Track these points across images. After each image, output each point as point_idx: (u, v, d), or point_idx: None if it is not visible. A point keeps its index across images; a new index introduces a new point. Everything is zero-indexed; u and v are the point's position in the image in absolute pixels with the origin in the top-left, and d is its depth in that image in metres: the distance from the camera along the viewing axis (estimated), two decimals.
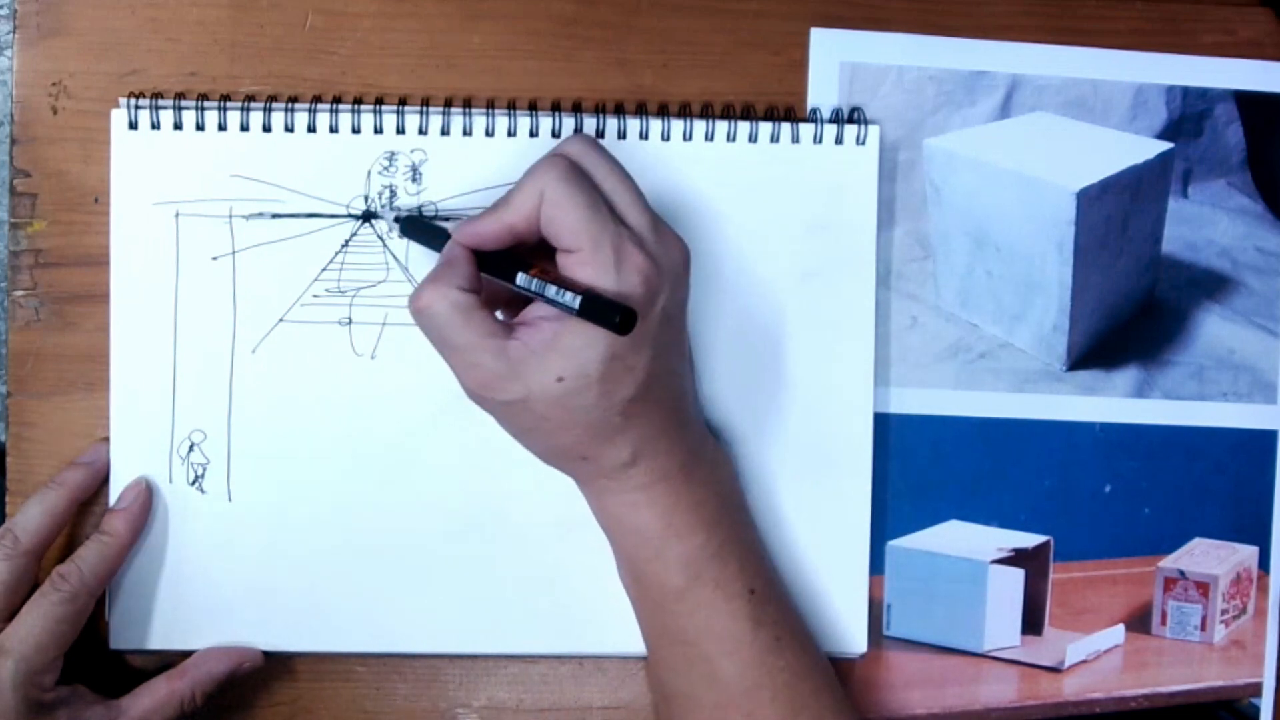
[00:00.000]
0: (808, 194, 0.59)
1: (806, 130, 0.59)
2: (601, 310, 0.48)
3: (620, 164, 0.52)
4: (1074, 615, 0.63)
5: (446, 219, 0.58)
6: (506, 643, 0.59)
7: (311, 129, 0.57)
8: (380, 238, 0.58)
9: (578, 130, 0.58)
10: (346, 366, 0.58)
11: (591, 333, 0.49)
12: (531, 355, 0.49)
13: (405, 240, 0.58)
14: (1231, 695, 0.63)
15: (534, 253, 0.52)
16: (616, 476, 0.53)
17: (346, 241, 0.58)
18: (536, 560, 0.58)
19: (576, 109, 0.59)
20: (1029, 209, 0.62)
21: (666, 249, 0.51)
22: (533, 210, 0.50)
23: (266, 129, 0.57)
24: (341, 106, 0.58)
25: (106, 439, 0.57)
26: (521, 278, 0.50)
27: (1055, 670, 0.62)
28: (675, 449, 0.53)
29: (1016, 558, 0.62)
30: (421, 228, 0.55)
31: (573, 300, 0.48)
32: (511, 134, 0.58)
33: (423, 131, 0.58)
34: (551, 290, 0.49)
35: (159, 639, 0.58)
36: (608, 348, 0.49)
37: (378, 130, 0.58)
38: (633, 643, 0.57)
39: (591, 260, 0.49)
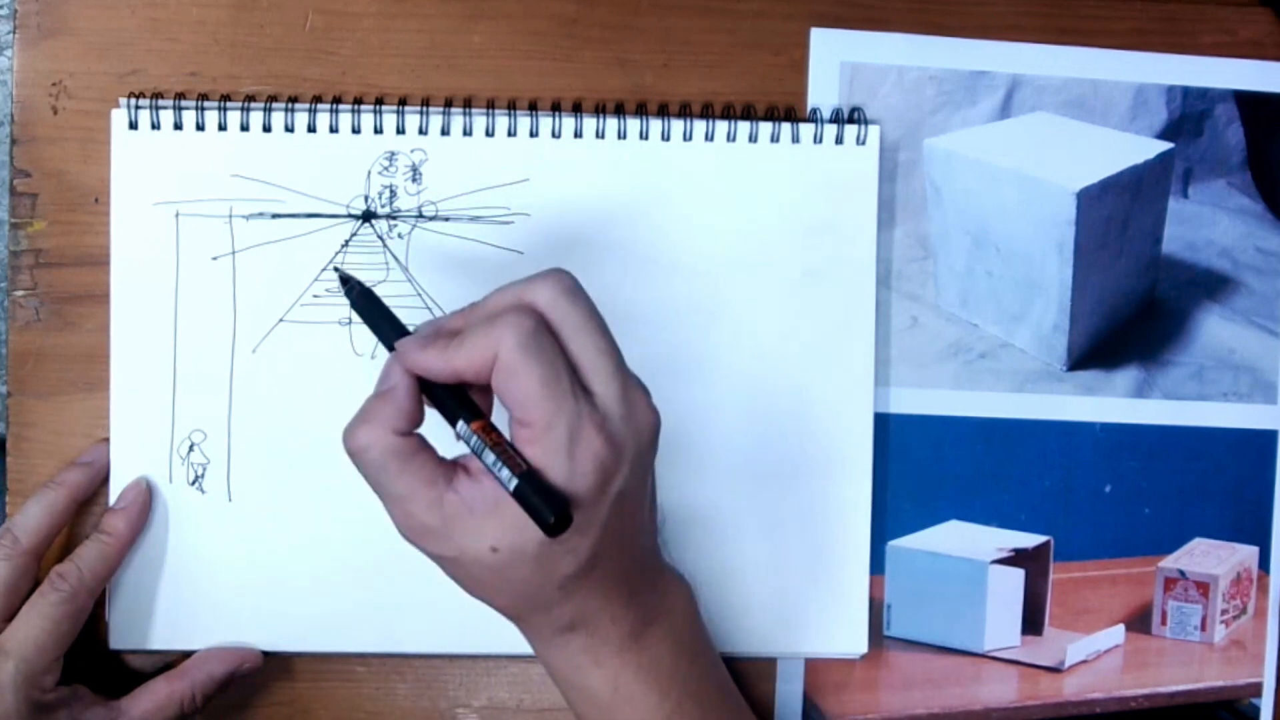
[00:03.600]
0: (808, 194, 0.59)
1: (806, 130, 0.59)
2: (536, 502, 0.43)
3: (596, 314, 0.47)
4: (1074, 615, 0.63)
5: (447, 219, 0.58)
6: (506, 643, 0.59)
7: (311, 129, 0.57)
8: (380, 238, 0.58)
9: (578, 128, 0.58)
10: (346, 366, 0.58)
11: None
12: (468, 515, 0.45)
13: (405, 241, 0.58)
14: (1231, 695, 0.63)
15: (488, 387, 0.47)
16: (556, 641, 0.50)
17: (346, 241, 0.58)
18: None
19: (576, 109, 0.59)
20: (1029, 209, 0.62)
21: (633, 423, 0.46)
22: (484, 365, 0.45)
23: (266, 129, 0.57)
24: (341, 106, 0.58)
25: (106, 439, 0.57)
26: (462, 428, 0.46)
27: (1055, 670, 0.62)
28: (623, 617, 0.49)
29: (1016, 558, 0.62)
30: (377, 310, 0.50)
31: (509, 479, 0.44)
32: (511, 134, 0.58)
33: (423, 131, 0.58)
34: (490, 458, 0.44)
35: (159, 639, 0.58)
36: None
37: (378, 130, 0.58)
38: None
39: (542, 440, 0.44)
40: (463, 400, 0.47)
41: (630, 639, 0.50)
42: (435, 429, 0.48)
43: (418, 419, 0.47)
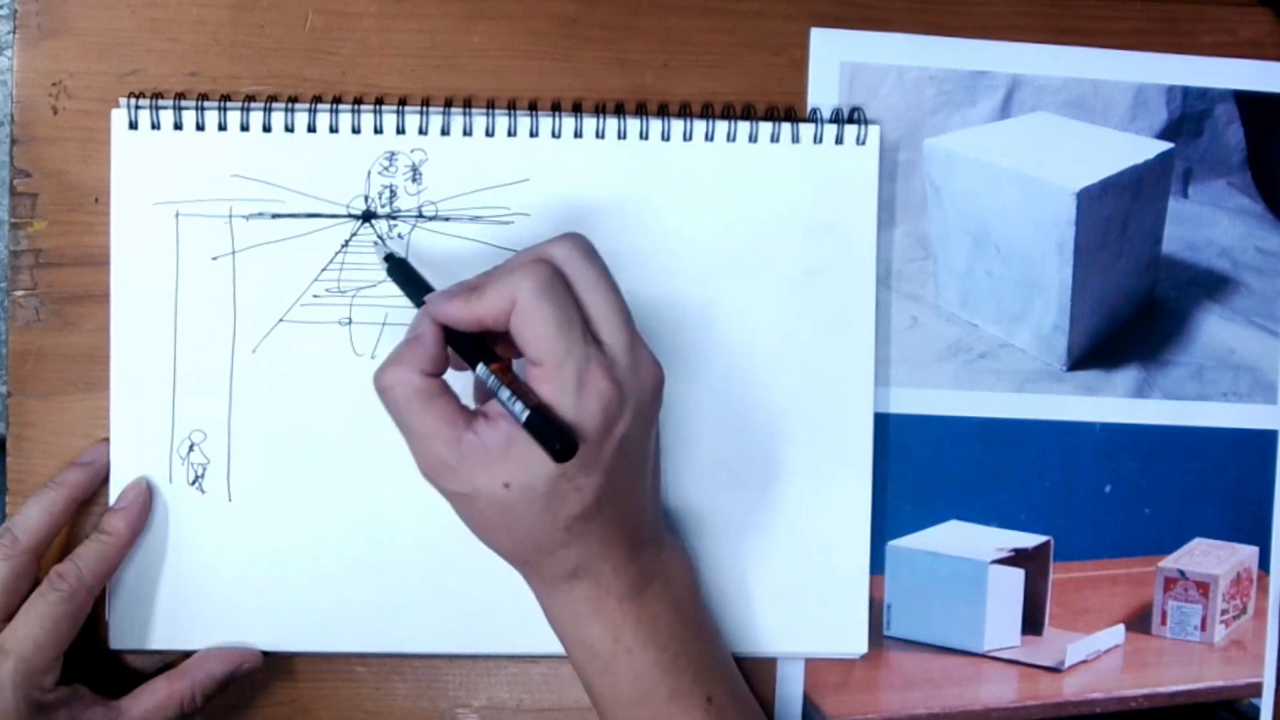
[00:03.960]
0: (808, 194, 0.59)
1: (806, 130, 0.59)
2: (545, 431, 0.47)
3: (608, 274, 0.50)
4: (1074, 615, 0.63)
5: (447, 219, 0.58)
6: (506, 643, 0.59)
7: (311, 129, 0.57)
8: (380, 238, 0.58)
9: (578, 128, 0.58)
10: (346, 366, 0.58)
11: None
12: (484, 454, 0.48)
13: (405, 241, 0.58)
14: (1231, 695, 0.63)
15: (509, 339, 0.51)
16: (560, 587, 0.52)
17: (346, 241, 0.58)
18: None
19: (576, 109, 0.59)
20: (1029, 209, 0.62)
21: (637, 373, 0.50)
22: (503, 312, 0.49)
23: (266, 129, 0.57)
24: (341, 106, 0.58)
25: (106, 439, 0.57)
26: (481, 369, 0.49)
27: (1055, 670, 0.62)
28: (624, 569, 0.52)
29: (1016, 558, 0.62)
30: (407, 275, 0.54)
31: (521, 411, 0.47)
32: (511, 134, 0.58)
33: (423, 131, 0.58)
34: (505, 394, 0.48)
35: (159, 639, 0.58)
36: (557, 465, 0.48)
37: (378, 130, 0.58)
38: None
39: (552, 378, 0.48)
40: (483, 347, 0.50)
41: (631, 591, 0.52)
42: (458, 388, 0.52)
43: (443, 363, 0.50)
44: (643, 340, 0.51)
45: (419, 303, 0.52)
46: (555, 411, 0.48)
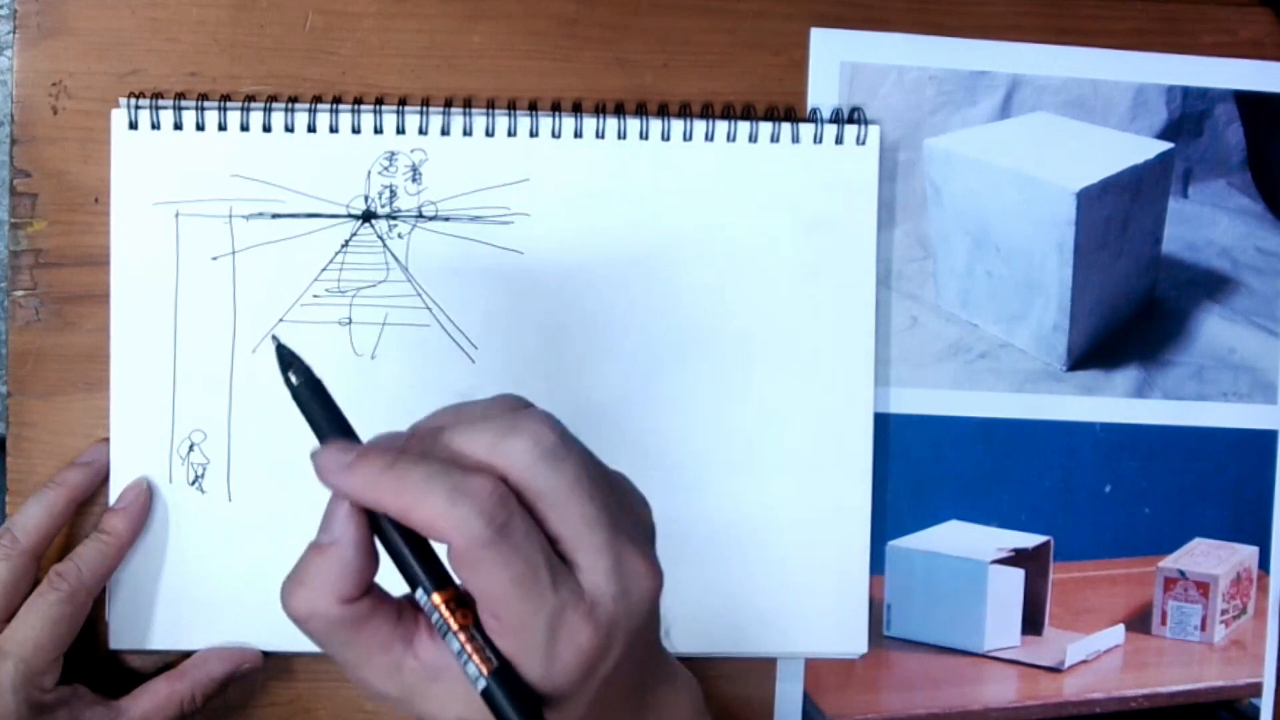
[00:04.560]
0: (808, 194, 0.59)
1: (806, 130, 0.59)
2: (506, 709, 0.38)
3: (587, 474, 0.39)
4: (1074, 615, 0.63)
5: (447, 219, 0.58)
6: None
7: (311, 129, 0.57)
8: (380, 238, 0.58)
9: (578, 128, 0.58)
10: (346, 366, 0.58)
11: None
12: (431, 683, 0.39)
13: (405, 241, 0.58)
14: (1231, 695, 0.63)
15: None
16: None
17: (346, 241, 0.58)
18: None
19: (576, 109, 0.59)
20: (1029, 209, 0.62)
21: (628, 599, 0.39)
22: (430, 529, 0.38)
23: (266, 129, 0.57)
24: (341, 106, 0.58)
25: (106, 439, 0.57)
26: (422, 599, 0.39)
27: (1055, 670, 0.62)
28: None
29: (1016, 558, 0.62)
30: (317, 401, 0.42)
31: (476, 677, 0.38)
32: (511, 134, 0.58)
33: (423, 131, 0.58)
34: (455, 643, 0.38)
35: (159, 639, 0.58)
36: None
37: (378, 130, 0.58)
38: None
39: (515, 635, 0.38)
40: (426, 558, 0.39)
41: None
42: None
43: (369, 575, 0.40)
44: (632, 543, 0.40)
45: (322, 431, 0.41)
46: (520, 671, 0.38)
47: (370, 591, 0.40)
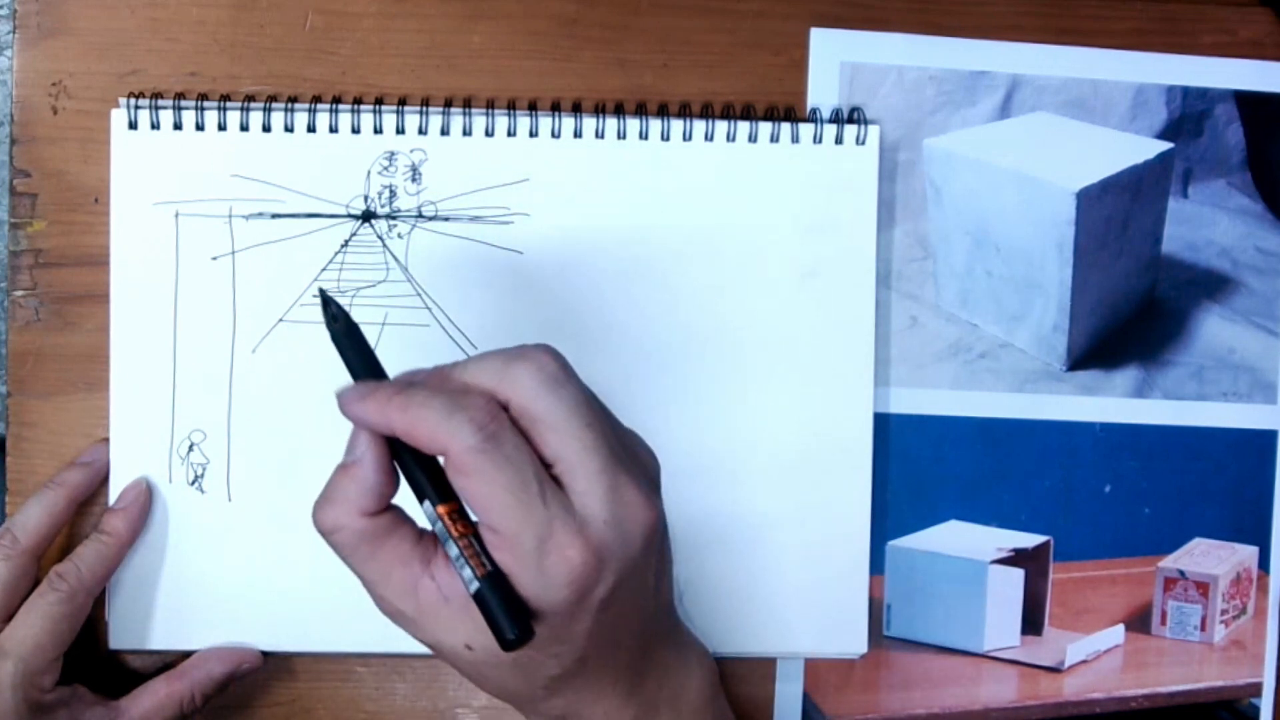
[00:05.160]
0: (808, 194, 0.59)
1: (806, 130, 0.59)
2: (496, 612, 0.40)
3: (585, 403, 0.42)
4: (1074, 615, 0.63)
5: (446, 219, 0.58)
6: None
7: (311, 129, 0.57)
8: (380, 238, 0.58)
9: (578, 128, 0.58)
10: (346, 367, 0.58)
11: None
12: (442, 606, 0.42)
13: (405, 241, 0.58)
14: (1231, 695, 0.63)
15: None
16: None
17: (346, 241, 0.58)
18: None
19: (576, 109, 0.59)
20: (1029, 209, 0.62)
21: (622, 526, 0.41)
22: (431, 445, 0.41)
23: (266, 129, 0.57)
24: (341, 106, 0.58)
25: (106, 439, 0.57)
26: (428, 509, 0.42)
27: (1055, 670, 0.62)
28: (621, 710, 0.46)
29: (1016, 558, 0.62)
30: (352, 343, 0.45)
31: (470, 580, 0.40)
32: (511, 134, 0.58)
33: (423, 131, 0.58)
34: (454, 549, 0.41)
35: (158, 639, 0.58)
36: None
37: (378, 130, 0.58)
38: None
39: (508, 547, 0.40)
40: (434, 475, 0.42)
41: None
42: None
43: (389, 492, 0.43)
44: (631, 474, 0.42)
45: (358, 370, 0.45)
46: (514, 583, 0.40)
47: (390, 510, 0.43)
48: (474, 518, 0.42)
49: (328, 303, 0.45)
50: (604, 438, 0.42)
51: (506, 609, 0.40)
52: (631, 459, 0.43)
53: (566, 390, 0.42)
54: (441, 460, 0.42)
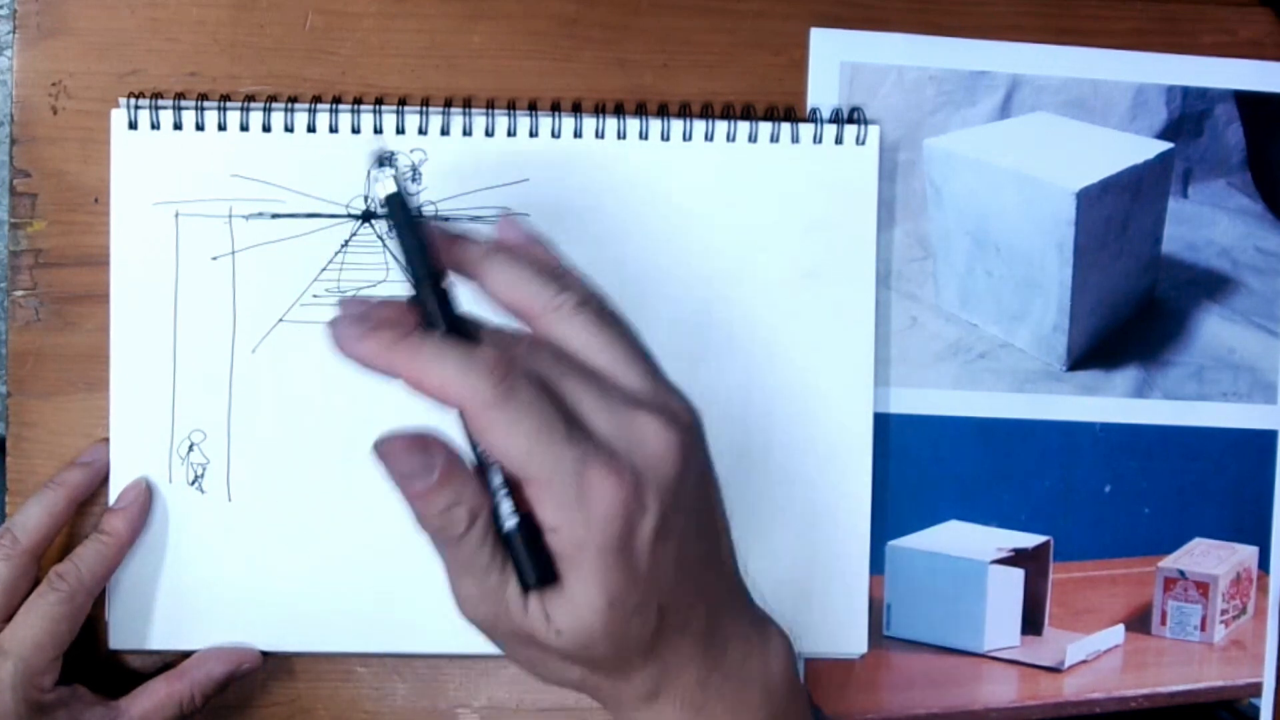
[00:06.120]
0: (808, 194, 0.59)
1: (806, 130, 0.59)
2: (525, 556, 0.40)
3: (604, 322, 0.42)
4: (1074, 615, 0.63)
5: (446, 219, 0.58)
6: None
7: (311, 129, 0.57)
8: (380, 238, 0.58)
9: (578, 128, 0.58)
10: (347, 366, 0.58)
11: (587, 580, 0.40)
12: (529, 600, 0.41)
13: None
14: (1231, 695, 0.63)
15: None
16: (639, 709, 0.44)
17: (346, 241, 0.58)
18: None
19: (576, 109, 0.59)
20: (1029, 209, 0.62)
21: (640, 453, 0.40)
22: (444, 397, 0.40)
23: (266, 129, 0.57)
24: (341, 106, 0.58)
25: (106, 439, 0.57)
26: (486, 458, 0.40)
27: (1055, 670, 0.62)
28: (705, 684, 0.44)
29: (1016, 558, 0.62)
30: (408, 224, 0.43)
31: (510, 519, 0.40)
32: (511, 134, 0.58)
33: (423, 131, 0.58)
34: (505, 506, 0.40)
35: (158, 639, 0.58)
36: (604, 593, 0.40)
37: (378, 130, 0.58)
38: None
39: (548, 495, 0.39)
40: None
41: (716, 697, 0.44)
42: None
43: (482, 498, 0.41)
44: (649, 405, 0.41)
45: (415, 280, 0.41)
46: (560, 533, 0.40)
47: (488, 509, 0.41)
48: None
49: (385, 163, 0.43)
50: (618, 368, 0.42)
51: (534, 556, 0.40)
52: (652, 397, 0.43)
53: (583, 311, 0.42)
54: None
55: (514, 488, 0.40)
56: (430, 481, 0.40)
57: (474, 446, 0.41)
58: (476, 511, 0.40)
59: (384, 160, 0.43)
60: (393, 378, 0.40)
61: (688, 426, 0.43)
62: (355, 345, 0.40)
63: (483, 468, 0.41)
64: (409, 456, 0.40)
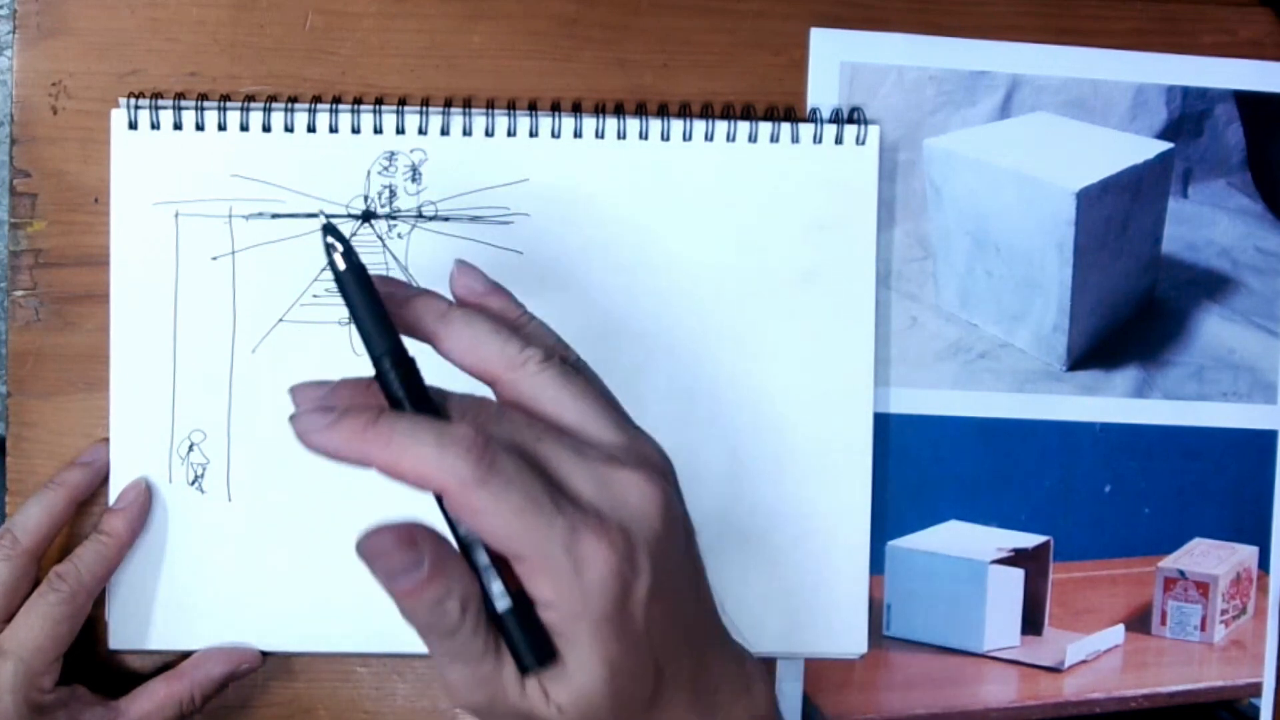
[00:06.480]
0: (808, 194, 0.59)
1: (806, 130, 0.59)
2: (521, 638, 0.39)
3: (573, 376, 0.41)
4: (1074, 615, 0.63)
5: (446, 219, 0.58)
6: None
7: (311, 129, 0.57)
8: (380, 238, 0.58)
9: (578, 128, 0.58)
10: (346, 366, 0.58)
11: (586, 652, 0.39)
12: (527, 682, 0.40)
13: (405, 241, 0.58)
14: (1231, 695, 0.63)
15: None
16: None
17: None
18: None
19: (576, 109, 0.59)
20: (1029, 209, 0.62)
21: (625, 511, 0.40)
22: (419, 481, 0.38)
23: (266, 129, 0.57)
24: (341, 106, 0.58)
25: (106, 439, 0.57)
26: (480, 556, 0.39)
27: (1055, 670, 0.62)
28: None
29: (1016, 558, 0.62)
30: (360, 287, 0.40)
31: (503, 599, 0.39)
32: (511, 134, 0.58)
33: (423, 131, 0.58)
34: (495, 586, 0.39)
35: (158, 639, 0.58)
36: (604, 663, 0.39)
37: (378, 130, 0.58)
38: None
39: (542, 571, 0.38)
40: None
41: None
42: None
43: (471, 582, 0.40)
44: (627, 460, 0.40)
45: (374, 357, 0.40)
46: (558, 607, 0.39)
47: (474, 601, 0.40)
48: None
49: (333, 235, 0.40)
50: (588, 425, 0.41)
51: (533, 638, 0.39)
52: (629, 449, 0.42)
53: (561, 377, 0.41)
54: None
55: (500, 563, 0.39)
56: (419, 578, 0.38)
57: (453, 527, 0.39)
58: (468, 600, 0.39)
59: (331, 230, 0.41)
60: (365, 467, 0.39)
61: (664, 474, 0.42)
62: (323, 437, 0.39)
63: (464, 546, 0.39)
64: (395, 555, 0.39)
